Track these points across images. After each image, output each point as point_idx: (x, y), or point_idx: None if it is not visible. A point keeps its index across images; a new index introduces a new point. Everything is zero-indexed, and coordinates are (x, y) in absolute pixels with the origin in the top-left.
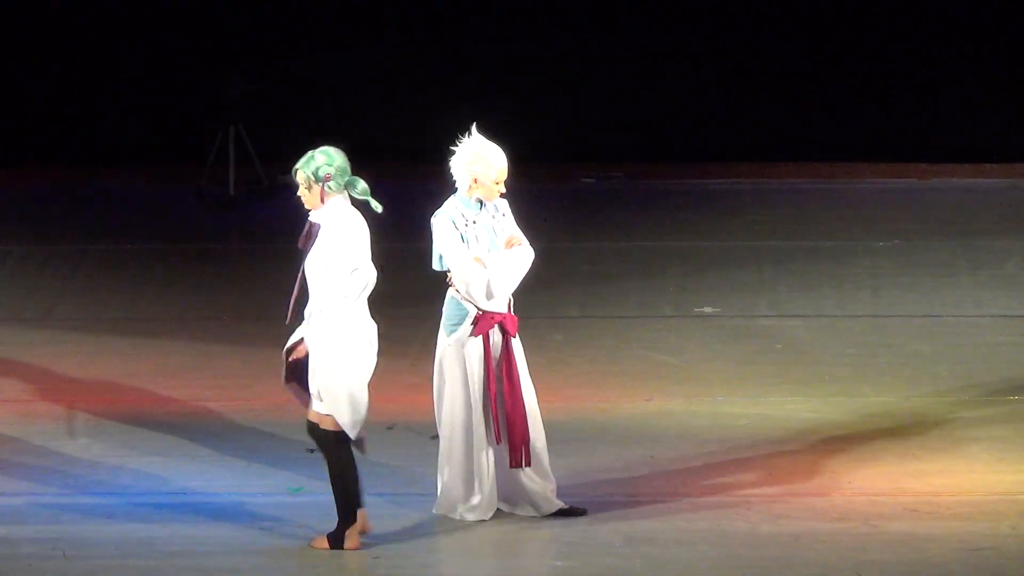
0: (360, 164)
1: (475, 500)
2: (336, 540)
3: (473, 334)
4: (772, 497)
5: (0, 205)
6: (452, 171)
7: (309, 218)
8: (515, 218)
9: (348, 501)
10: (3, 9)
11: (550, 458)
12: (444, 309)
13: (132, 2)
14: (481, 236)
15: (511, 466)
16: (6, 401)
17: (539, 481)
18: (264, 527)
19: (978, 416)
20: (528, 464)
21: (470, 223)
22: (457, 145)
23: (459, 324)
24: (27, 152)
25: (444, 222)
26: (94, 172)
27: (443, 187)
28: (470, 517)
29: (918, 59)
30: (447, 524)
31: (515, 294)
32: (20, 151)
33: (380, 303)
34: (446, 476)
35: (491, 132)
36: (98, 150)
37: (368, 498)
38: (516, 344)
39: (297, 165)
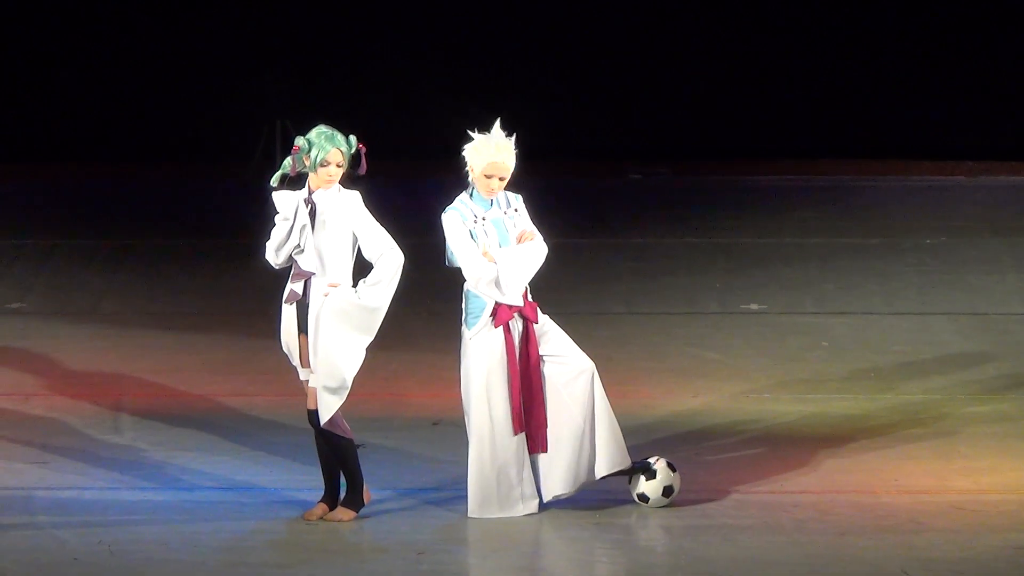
0: (400, 158)
1: (515, 494)
2: (356, 503)
3: (494, 325)
4: (818, 494)
5: (47, 199)
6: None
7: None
8: (551, 214)
9: (356, 466)
10: (66, 11)
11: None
12: (463, 304)
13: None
14: (491, 231)
15: (531, 451)
16: (52, 395)
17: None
18: (310, 523)
19: None
20: (545, 450)
21: (479, 219)
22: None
23: (479, 317)
24: (74, 147)
25: (453, 218)
26: (141, 167)
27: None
28: (512, 513)
29: (967, 57)
30: (489, 521)
31: (556, 291)
32: (67, 146)
33: (424, 298)
34: (480, 474)
35: (539, 128)
36: (145, 145)
37: (411, 494)
38: (543, 326)
39: (326, 146)
